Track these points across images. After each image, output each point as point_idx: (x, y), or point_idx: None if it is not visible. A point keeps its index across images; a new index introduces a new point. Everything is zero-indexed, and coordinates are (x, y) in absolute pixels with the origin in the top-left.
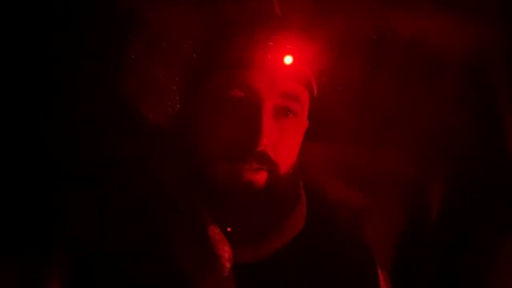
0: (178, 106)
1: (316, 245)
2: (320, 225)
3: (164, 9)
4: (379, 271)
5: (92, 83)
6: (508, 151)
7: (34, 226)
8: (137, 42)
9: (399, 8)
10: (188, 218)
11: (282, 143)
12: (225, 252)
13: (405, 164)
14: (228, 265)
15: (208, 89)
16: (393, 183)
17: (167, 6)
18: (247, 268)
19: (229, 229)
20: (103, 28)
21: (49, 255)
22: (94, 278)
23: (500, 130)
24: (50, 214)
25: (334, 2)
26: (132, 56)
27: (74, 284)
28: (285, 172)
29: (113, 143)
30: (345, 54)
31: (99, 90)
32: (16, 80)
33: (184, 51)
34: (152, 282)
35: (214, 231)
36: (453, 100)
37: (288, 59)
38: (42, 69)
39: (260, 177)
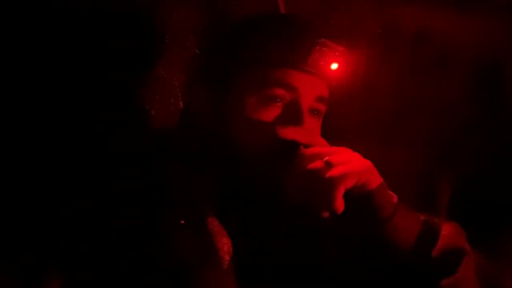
0: (181, 102)
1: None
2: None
3: (170, 7)
4: None
5: (98, 82)
6: None
7: (33, 226)
8: (142, 40)
9: (408, 3)
10: (186, 210)
11: (314, 143)
12: (224, 244)
13: (413, 161)
14: (227, 257)
15: (243, 86)
16: (399, 181)
17: (173, 5)
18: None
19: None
20: (110, 27)
21: (48, 254)
22: (92, 274)
23: (509, 126)
24: (50, 212)
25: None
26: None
27: (75, 282)
28: None
29: (115, 140)
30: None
31: (106, 89)
32: (21, 78)
33: (188, 47)
34: (151, 276)
35: (213, 224)
36: (462, 96)
37: (334, 66)
38: (46, 68)
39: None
